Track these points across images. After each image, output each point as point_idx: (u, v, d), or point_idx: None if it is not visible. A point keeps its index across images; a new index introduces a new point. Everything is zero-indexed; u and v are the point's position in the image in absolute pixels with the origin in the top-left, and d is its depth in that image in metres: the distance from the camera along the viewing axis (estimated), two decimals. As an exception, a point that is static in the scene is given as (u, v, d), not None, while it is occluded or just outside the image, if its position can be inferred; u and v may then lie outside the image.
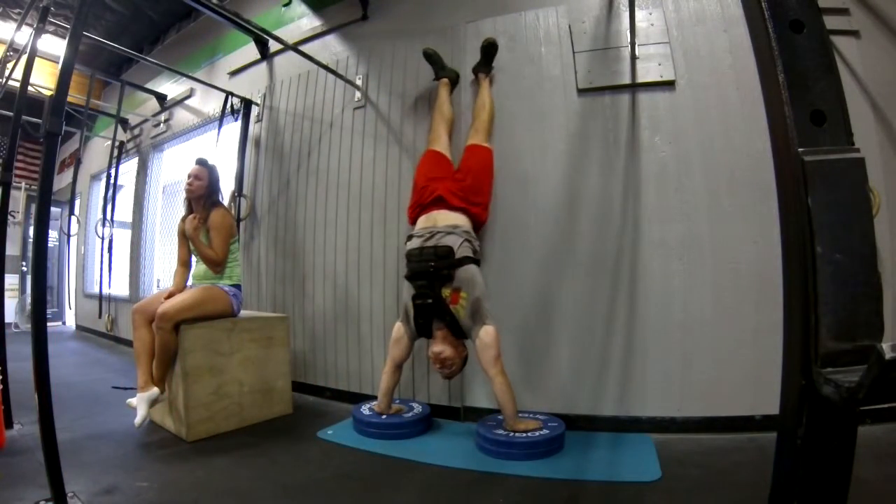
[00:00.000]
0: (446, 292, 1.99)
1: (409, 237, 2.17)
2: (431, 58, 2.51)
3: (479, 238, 2.21)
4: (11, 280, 5.84)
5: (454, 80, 2.54)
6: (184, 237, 2.44)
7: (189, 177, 2.42)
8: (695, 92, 2.19)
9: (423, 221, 2.18)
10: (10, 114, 2.38)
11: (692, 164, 2.15)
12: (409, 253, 2.12)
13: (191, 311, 2.18)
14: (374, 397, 2.35)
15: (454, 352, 2.00)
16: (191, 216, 2.39)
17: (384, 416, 2.18)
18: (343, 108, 2.95)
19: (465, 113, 2.52)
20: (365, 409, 2.27)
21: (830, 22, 2.05)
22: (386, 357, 2.22)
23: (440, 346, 2.00)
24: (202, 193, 2.41)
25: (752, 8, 0.68)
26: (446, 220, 2.12)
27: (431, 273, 2.00)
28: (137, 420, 2.05)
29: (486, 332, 1.93)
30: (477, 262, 2.08)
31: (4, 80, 2.83)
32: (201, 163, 2.46)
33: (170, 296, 2.26)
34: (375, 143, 2.78)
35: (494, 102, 2.41)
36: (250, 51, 3.54)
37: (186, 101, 4.31)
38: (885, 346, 0.45)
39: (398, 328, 2.14)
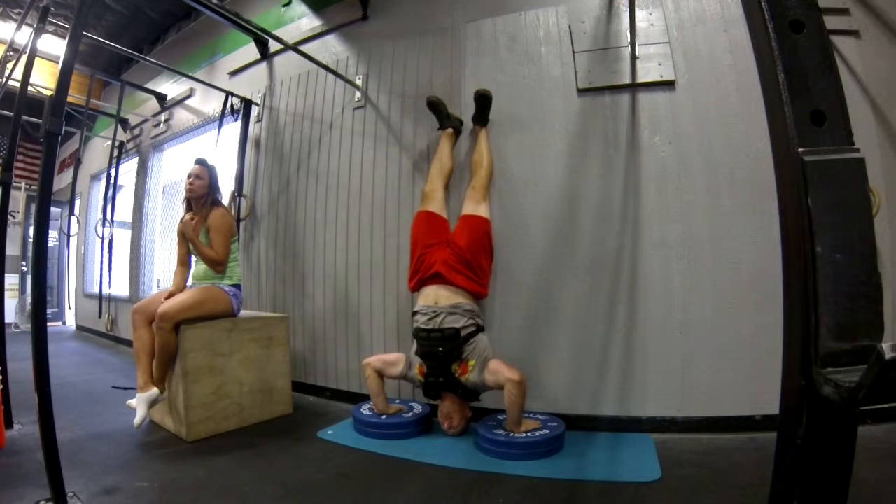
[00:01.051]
0: (455, 367, 2.03)
1: (414, 313, 2.19)
2: (436, 107, 2.42)
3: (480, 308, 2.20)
4: (11, 280, 5.84)
5: (458, 130, 2.49)
6: (183, 238, 2.44)
7: (189, 176, 2.41)
8: (695, 92, 2.19)
9: (423, 299, 2.18)
10: (10, 114, 2.37)
11: (692, 164, 2.15)
12: (416, 333, 2.14)
13: (191, 312, 2.18)
14: (374, 397, 2.35)
15: (461, 415, 2.10)
16: (190, 217, 2.39)
17: (384, 416, 2.18)
18: (343, 108, 2.95)
19: (468, 113, 2.51)
20: (365, 409, 2.27)
21: (830, 22, 2.05)
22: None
23: (448, 410, 2.09)
24: (203, 193, 2.41)
25: (752, 8, 0.68)
26: (448, 300, 2.12)
27: (441, 356, 2.04)
28: (137, 420, 2.05)
29: (492, 364, 1.98)
30: (482, 329, 2.12)
31: (4, 80, 2.83)
32: (201, 162, 2.46)
33: (170, 296, 2.26)
34: (375, 143, 2.78)
35: (493, 157, 2.37)
36: (250, 51, 3.54)
37: (186, 101, 4.31)
38: (885, 346, 0.45)
39: (398, 358, 2.20)
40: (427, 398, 2.18)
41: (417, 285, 2.24)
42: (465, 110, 2.52)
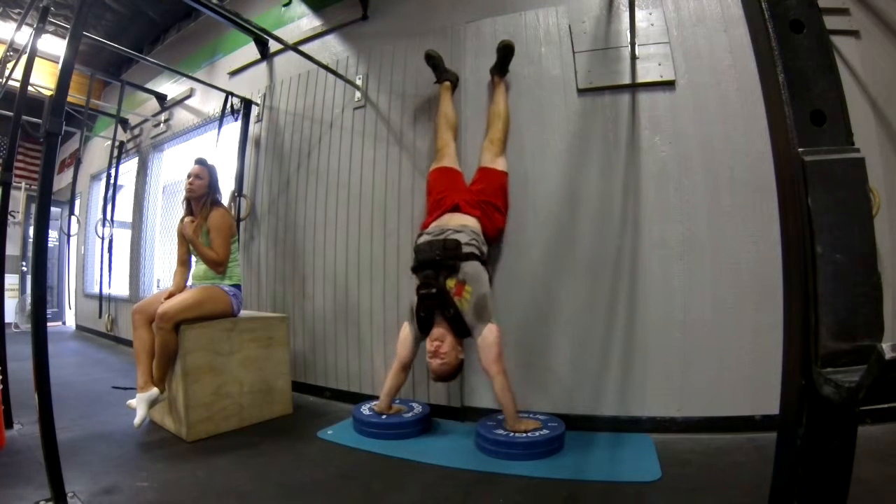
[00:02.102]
0: (451, 283, 1.98)
1: (419, 235, 2.19)
2: (433, 60, 2.49)
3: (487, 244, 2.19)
4: (11, 280, 5.84)
5: (455, 83, 2.54)
6: (183, 238, 2.44)
7: (189, 176, 2.41)
8: (695, 92, 2.19)
9: (434, 224, 2.19)
10: (10, 114, 2.38)
11: (692, 164, 2.15)
12: (417, 247, 2.13)
13: (191, 312, 2.18)
14: (374, 397, 2.35)
15: (451, 346, 1.98)
16: (189, 219, 2.39)
17: (384, 416, 2.18)
18: (343, 108, 2.95)
19: (466, 114, 2.51)
20: (365, 409, 2.27)
21: (830, 22, 2.05)
22: (387, 357, 2.22)
23: (438, 333, 1.99)
24: (203, 193, 2.41)
25: (752, 8, 0.68)
26: (458, 221, 2.15)
27: (437, 262, 2.01)
28: (137, 420, 2.05)
29: (490, 331, 1.94)
30: (483, 261, 2.09)
31: (4, 80, 2.83)
32: (201, 162, 2.46)
33: (170, 296, 2.26)
34: (375, 143, 2.78)
35: (510, 110, 2.39)
36: (250, 51, 3.54)
37: (186, 101, 4.31)
38: (885, 346, 0.45)
39: (405, 328, 2.15)
40: (420, 330, 2.07)
41: (434, 219, 2.23)
42: (466, 108, 2.52)
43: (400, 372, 2.15)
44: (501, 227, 2.27)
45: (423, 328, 2.06)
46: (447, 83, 2.50)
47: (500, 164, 2.32)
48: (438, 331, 2.00)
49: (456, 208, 2.20)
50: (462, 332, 2.00)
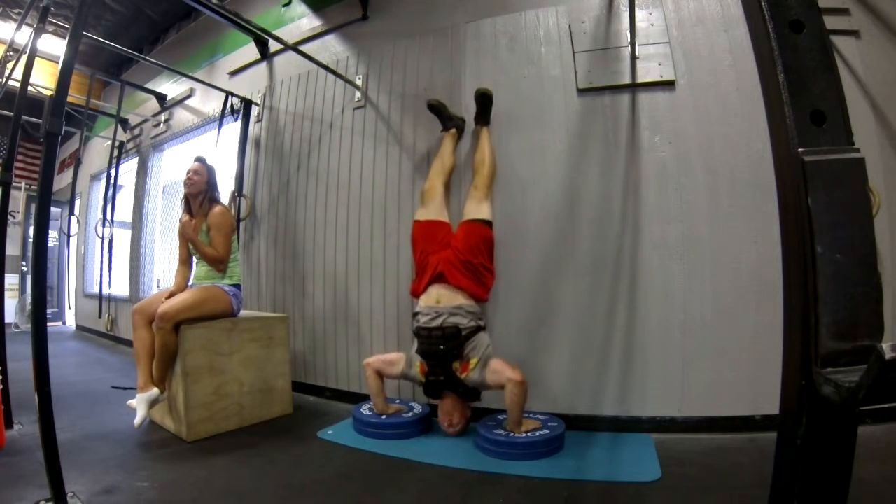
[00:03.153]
0: (456, 365, 2.03)
1: (415, 314, 2.18)
2: (437, 109, 2.42)
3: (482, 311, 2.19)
4: (11, 280, 5.84)
5: (461, 129, 2.49)
6: (184, 238, 2.44)
7: (188, 172, 2.42)
8: (695, 92, 2.19)
9: (425, 299, 2.17)
10: (10, 114, 2.38)
11: (692, 164, 2.15)
12: (417, 331, 2.14)
13: (191, 312, 2.18)
14: (374, 397, 2.35)
15: (461, 415, 2.10)
16: (188, 218, 2.39)
17: (384, 416, 2.18)
18: (343, 108, 2.95)
19: (470, 113, 2.51)
20: (365, 409, 2.27)
21: (830, 22, 2.06)
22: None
23: (449, 409, 2.09)
24: (201, 189, 2.42)
25: (752, 8, 0.68)
26: (450, 300, 2.12)
27: (441, 354, 2.04)
28: (137, 420, 2.05)
29: (494, 364, 1.99)
30: (483, 329, 2.12)
31: (4, 80, 2.83)
32: (200, 160, 2.47)
33: (170, 296, 2.26)
34: (375, 143, 2.78)
35: (495, 155, 2.36)
36: (250, 51, 3.54)
37: (186, 101, 4.31)
38: (885, 346, 0.45)
39: (398, 357, 2.20)
40: (428, 397, 2.18)
41: (420, 289, 2.23)
42: (466, 111, 2.52)
43: (377, 375, 2.19)
44: (491, 286, 2.24)
45: (429, 395, 2.15)
46: (453, 131, 2.46)
47: (484, 212, 2.27)
48: (448, 404, 2.09)
49: (441, 277, 2.15)
50: (471, 397, 2.08)
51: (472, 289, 2.14)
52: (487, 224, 2.26)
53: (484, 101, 2.35)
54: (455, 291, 2.13)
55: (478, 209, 2.28)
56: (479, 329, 2.09)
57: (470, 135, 2.50)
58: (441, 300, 2.12)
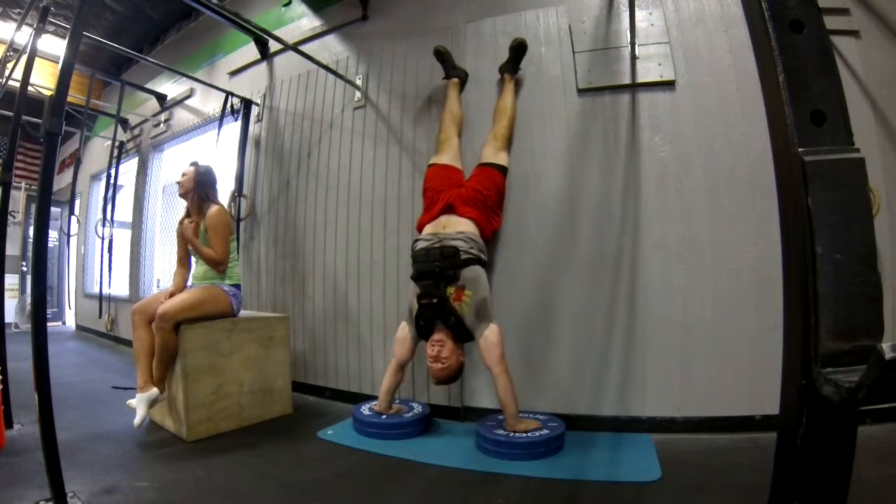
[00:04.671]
0: (451, 290, 1.99)
1: (416, 241, 2.17)
2: (442, 56, 2.48)
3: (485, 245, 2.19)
4: (11, 280, 5.84)
5: (464, 80, 2.53)
6: (183, 238, 2.45)
7: (180, 176, 2.46)
8: (695, 92, 2.19)
9: (430, 227, 2.17)
10: (10, 114, 2.37)
11: (692, 164, 2.15)
12: (414, 254, 2.12)
13: (191, 311, 2.18)
14: (374, 397, 2.35)
15: (451, 350, 1.98)
16: (188, 220, 2.40)
17: (384, 416, 2.18)
18: (343, 108, 2.95)
19: (469, 112, 2.51)
20: (365, 409, 2.27)
21: (830, 22, 2.05)
22: (387, 357, 2.22)
23: (439, 338, 1.99)
24: (189, 188, 2.42)
25: (752, 8, 0.68)
26: (454, 227, 2.12)
27: (437, 273, 2.01)
28: (137, 420, 2.05)
29: (492, 331, 1.95)
30: (483, 264, 2.09)
31: (4, 80, 2.83)
32: (192, 164, 2.49)
33: (170, 296, 2.26)
34: (375, 143, 2.78)
35: (517, 107, 2.38)
36: (250, 51, 3.54)
37: (186, 101, 4.31)
38: (885, 346, 0.45)
39: (403, 327, 2.16)
40: (419, 335, 2.09)
41: (429, 219, 2.21)
42: (466, 111, 2.52)
43: (397, 371, 2.16)
44: (498, 228, 2.26)
45: (422, 334, 2.08)
46: (455, 80, 2.49)
47: (501, 159, 2.29)
48: (439, 336, 2.01)
49: (450, 208, 2.17)
50: (463, 336, 2.02)
51: (480, 220, 2.15)
52: (502, 171, 2.28)
53: (519, 50, 2.36)
54: (462, 220, 2.14)
55: (495, 155, 2.30)
56: (478, 260, 2.06)
57: (496, 84, 2.49)
58: (447, 226, 2.13)
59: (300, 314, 2.99)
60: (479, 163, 2.33)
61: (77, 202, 5.11)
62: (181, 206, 2.55)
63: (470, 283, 1.99)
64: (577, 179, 2.27)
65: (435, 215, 2.20)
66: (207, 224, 2.36)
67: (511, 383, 1.92)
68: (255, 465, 1.86)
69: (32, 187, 6.49)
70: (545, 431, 1.92)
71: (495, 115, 2.40)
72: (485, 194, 2.19)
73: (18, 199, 6.49)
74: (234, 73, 3.72)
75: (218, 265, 2.37)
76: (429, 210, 2.26)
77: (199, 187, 2.43)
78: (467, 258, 2.02)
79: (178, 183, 2.46)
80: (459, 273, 2.00)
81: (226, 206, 2.60)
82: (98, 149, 5.65)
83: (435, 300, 2.00)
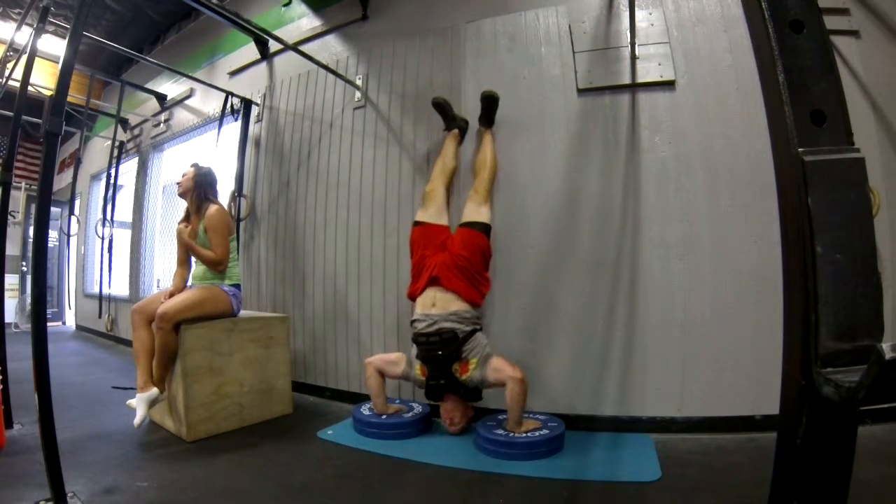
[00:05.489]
0: (456, 367, 2.04)
1: (413, 321, 2.18)
2: (442, 107, 2.42)
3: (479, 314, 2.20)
4: (11, 280, 5.84)
5: (464, 130, 2.49)
6: (182, 244, 2.44)
7: (181, 177, 2.47)
8: (695, 92, 2.19)
9: (421, 304, 2.18)
10: (10, 114, 2.37)
11: (692, 164, 2.15)
12: (415, 338, 2.14)
13: (191, 312, 2.18)
14: (374, 397, 2.35)
15: (462, 414, 2.11)
16: (184, 224, 2.40)
17: (384, 416, 2.18)
18: (343, 108, 2.95)
19: (470, 113, 2.51)
20: (365, 409, 2.27)
21: (830, 22, 2.05)
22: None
23: (451, 409, 2.10)
24: (189, 188, 2.42)
25: (752, 8, 0.68)
26: (443, 306, 2.11)
27: (440, 359, 2.04)
28: (136, 420, 2.05)
29: (495, 362, 1.99)
30: (480, 329, 2.13)
31: (4, 80, 2.83)
32: (193, 164, 2.50)
33: (170, 296, 2.26)
34: (375, 143, 2.78)
35: (497, 159, 2.36)
36: (250, 51, 3.54)
37: (186, 101, 4.31)
38: (885, 346, 0.45)
39: (399, 357, 2.20)
40: (429, 399, 2.18)
41: (417, 292, 2.22)
42: (466, 111, 2.52)
43: (378, 373, 2.19)
44: (486, 292, 2.23)
45: (430, 397, 2.14)
46: (455, 131, 2.46)
47: (483, 215, 2.27)
48: (450, 404, 2.10)
49: (436, 280, 2.15)
50: (472, 398, 2.09)
51: (467, 293, 2.13)
52: (485, 231, 2.25)
53: (489, 103, 2.35)
54: (450, 295, 2.12)
55: (477, 212, 2.28)
56: (475, 331, 2.09)
57: (473, 136, 2.50)
58: (436, 303, 2.13)
59: (300, 314, 2.99)
60: (461, 222, 2.30)
61: (77, 202, 5.11)
62: (181, 206, 2.55)
63: (472, 353, 2.04)
64: (576, 179, 2.27)
65: (422, 288, 2.19)
66: (207, 224, 2.36)
67: (524, 392, 1.91)
68: (255, 465, 1.86)
69: (32, 187, 6.49)
70: (545, 431, 1.92)
71: (475, 168, 2.39)
72: (471, 261, 2.17)
73: (18, 199, 6.48)
74: (234, 73, 3.72)
75: (217, 265, 2.37)
76: (416, 280, 2.25)
77: (198, 187, 2.43)
78: (465, 335, 2.06)
79: (177, 183, 2.47)
80: (461, 352, 2.04)
81: (225, 207, 2.60)
82: (98, 149, 5.65)
83: (443, 381, 2.05)
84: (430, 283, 2.17)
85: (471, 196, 2.34)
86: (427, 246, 2.28)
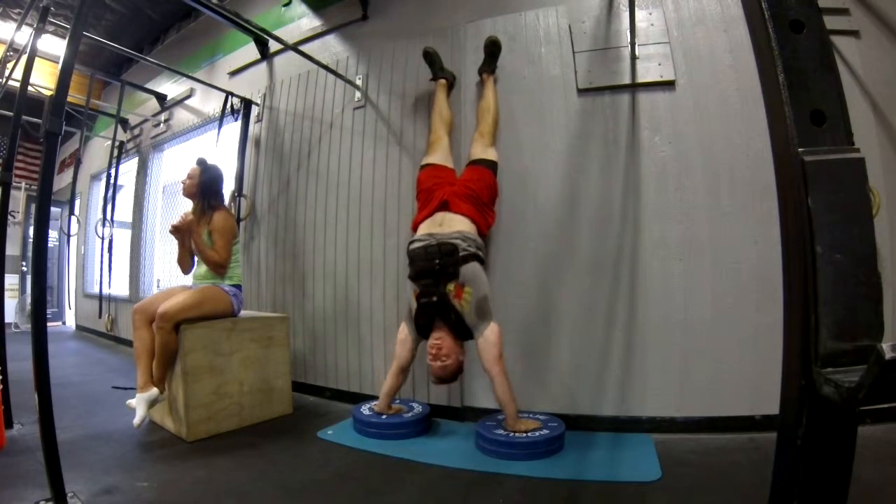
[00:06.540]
0: (450, 287, 1.98)
1: (411, 241, 2.16)
2: (431, 57, 2.50)
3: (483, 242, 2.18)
4: (11, 280, 5.84)
5: (451, 82, 2.54)
6: (178, 232, 2.39)
7: (186, 178, 2.44)
8: (695, 92, 2.19)
9: (426, 227, 2.15)
10: (10, 114, 2.37)
11: (692, 164, 2.15)
12: (412, 254, 2.11)
13: (191, 311, 2.18)
14: (374, 397, 2.35)
15: (451, 348, 1.96)
16: (185, 213, 2.39)
17: (384, 416, 2.18)
18: (343, 108, 2.95)
19: (466, 112, 2.51)
20: (365, 409, 2.27)
21: (830, 22, 2.05)
22: (387, 357, 2.22)
23: (439, 335, 1.98)
24: (194, 192, 2.41)
25: (752, 8, 0.68)
26: (450, 226, 2.10)
27: (437, 271, 1.99)
28: (136, 420, 2.05)
29: (491, 330, 1.94)
30: (482, 261, 2.08)
31: (4, 80, 2.83)
32: (199, 162, 2.46)
33: (180, 260, 2.30)
34: (375, 143, 2.78)
35: (499, 103, 2.39)
36: (250, 51, 3.54)
37: (186, 101, 4.31)
38: (885, 346, 0.45)
39: (403, 329, 2.14)
40: (419, 335, 2.07)
41: (424, 217, 2.19)
42: (466, 112, 2.52)
43: (398, 373, 2.15)
44: (492, 224, 2.25)
45: (422, 333, 2.06)
46: (443, 81, 2.51)
47: (490, 154, 2.30)
48: (439, 333, 1.99)
49: (445, 205, 2.15)
50: (463, 334, 2.00)
51: (476, 217, 2.14)
52: (493, 168, 2.28)
53: (492, 49, 2.39)
54: (458, 217, 2.12)
55: (484, 152, 2.31)
56: (477, 257, 2.05)
57: (475, 86, 2.51)
58: (443, 223, 2.11)
59: (300, 314, 2.99)
60: (469, 161, 2.33)
61: (77, 202, 5.11)
62: (181, 206, 2.55)
63: (470, 281, 1.98)
64: (577, 179, 2.27)
65: (430, 213, 2.18)
66: (213, 227, 2.35)
67: (508, 384, 1.92)
68: (255, 465, 1.86)
69: (32, 187, 6.50)
70: (545, 431, 1.92)
71: (479, 114, 2.41)
72: (477, 192, 2.19)
73: (18, 199, 6.49)
74: (234, 73, 3.72)
75: (219, 267, 2.37)
76: (423, 209, 2.24)
77: (203, 196, 2.40)
78: (466, 255, 2.01)
79: (182, 183, 2.45)
80: (459, 270, 1.99)
81: (228, 208, 2.60)
82: (98, 149, 5.65)
83: (435, 298, 1.98)
84: (440, 207, 2.17)
85: (476, 139, 2.36)
86: (435, 182, 2.28)
